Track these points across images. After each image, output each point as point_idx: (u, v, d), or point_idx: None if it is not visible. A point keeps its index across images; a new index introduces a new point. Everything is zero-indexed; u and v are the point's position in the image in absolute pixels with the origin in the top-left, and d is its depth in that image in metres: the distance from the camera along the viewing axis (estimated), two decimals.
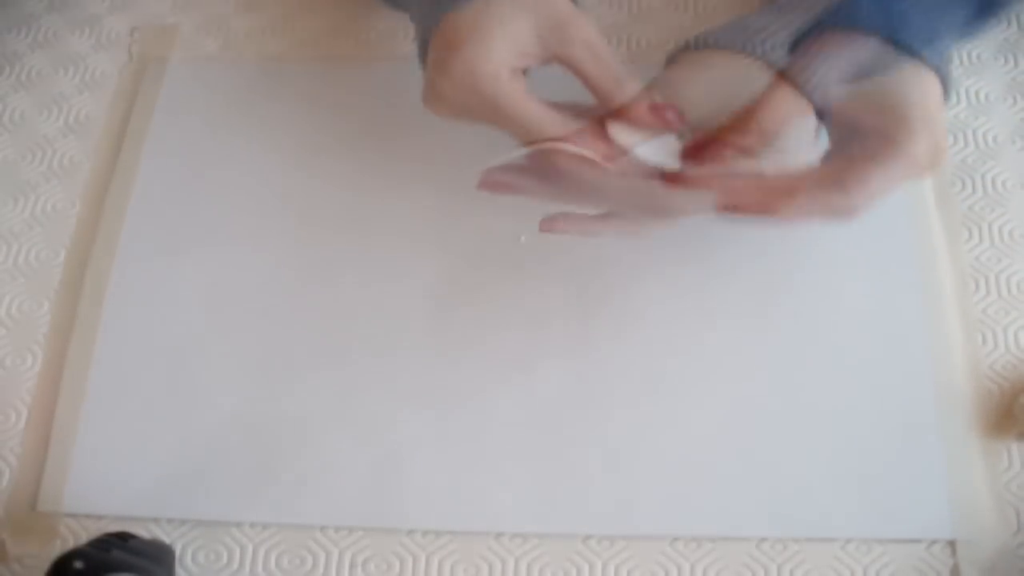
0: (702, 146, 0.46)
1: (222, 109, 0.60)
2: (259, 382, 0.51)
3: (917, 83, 0.45)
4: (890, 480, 0.48)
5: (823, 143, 0.47)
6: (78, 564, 0.40)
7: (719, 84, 0.47)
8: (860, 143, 0.45)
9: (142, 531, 0.48)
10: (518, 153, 0.46)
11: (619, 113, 0.46)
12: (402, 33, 0.62)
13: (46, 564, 0.41)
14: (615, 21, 0.62)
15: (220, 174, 0.58)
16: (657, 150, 0.46)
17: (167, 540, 0.48)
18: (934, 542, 0.47)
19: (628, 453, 0.49)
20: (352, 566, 0.48)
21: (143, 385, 0.52)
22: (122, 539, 0.45)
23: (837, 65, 0.45)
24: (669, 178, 0.45)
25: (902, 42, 0.44)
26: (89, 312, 0.54)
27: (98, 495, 0.49)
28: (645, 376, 0.51)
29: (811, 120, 0.46)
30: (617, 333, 0.52)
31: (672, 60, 0.50)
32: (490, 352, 0.52)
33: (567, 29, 0.46)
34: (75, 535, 0.48)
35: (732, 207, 0.44)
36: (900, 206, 0.54)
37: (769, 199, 0.44)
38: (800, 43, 0.46)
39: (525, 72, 0.47)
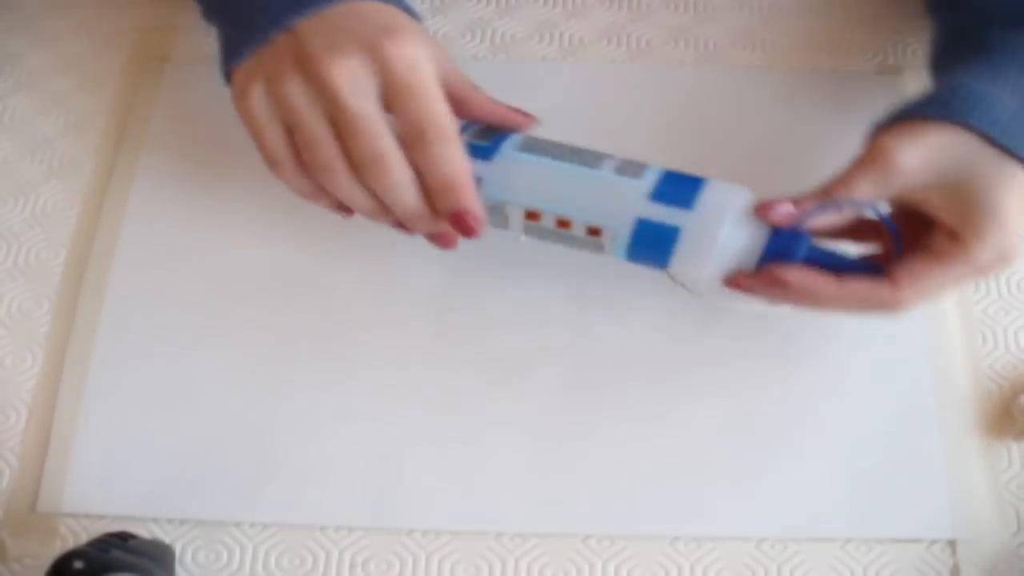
0: (770, 203, 0.45)
1: (222, 109, 0.60)
2: (259, 382, 0.51)
3: (1006, 186, 0.43)
4: (890, 480, 0.48)
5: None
6: (78, 564, 0.40)
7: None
8: (927, 238, 0.44)
9: (142, 531, 0.48)
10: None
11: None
12: None
13: (46, 564, 0.41)
14: (615, 21, 0.62)
15: (220, 174, 0.58)
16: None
17: (167, 540, 0.48)
18: (934, 542, 0.47)
19: (628, 453, 0.49)
20: (352, 566, 0.48)
21: (143, 385, 0.52)
22: (122, 539, 0.45)
23: (931, 157, 0.43)
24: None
25: (1002, 142, 0.43)
26: (89, 312, 0.54)
27: (98, 495, 0.49)
28: (645, 376, 0.51)
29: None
30: (617, 333, 0.52)
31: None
32: (490, 352, 0.52)
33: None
34: (75, 535, 0.48)
35: (771, 293, 0.44)
36: None
37: (815, 286, 0.43)
38: (888, 126, 0.45)
39: None
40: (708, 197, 0.44)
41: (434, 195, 0.44)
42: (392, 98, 0.43)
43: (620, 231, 0.45)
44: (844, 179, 0.44)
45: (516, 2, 0.64)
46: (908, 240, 0.45)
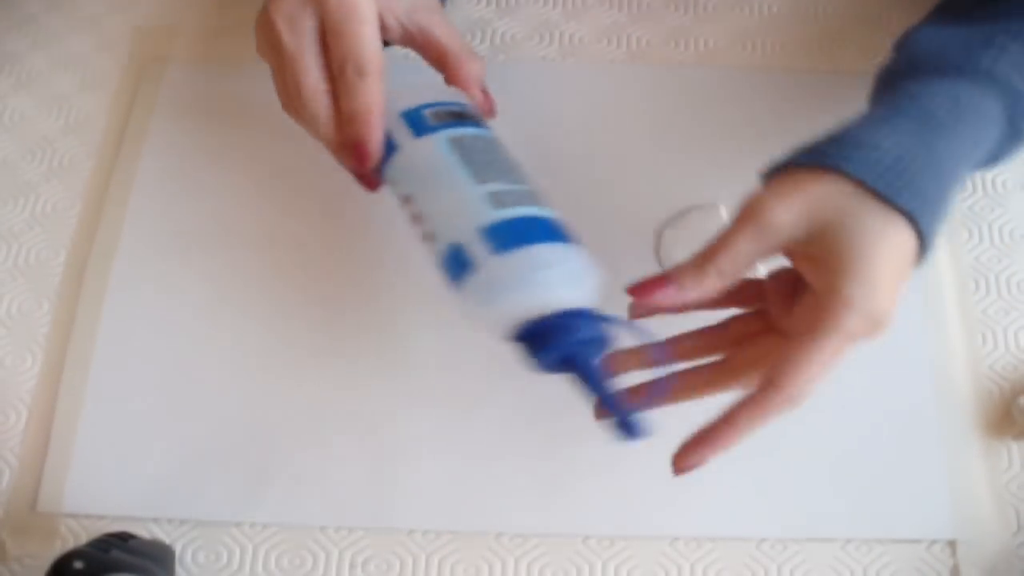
0: (645, 284, 0.42)
1: (222, 109, 0.60)
2: (259, 382, 0.51)
3: (880, 241, 0.39)
4: (890, 480, 0.48)
5: None
6: (78, 564, 0.40)
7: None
8: (797, 309, 0.41)
9: (142, 531, 0.48)
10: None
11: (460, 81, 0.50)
12: None
13: (46, 564, 0.41)
14: (615, 21, 0.62)
15: (220, 174, 0.58)
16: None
17: (167, 540, 0.48)
18: (934, 542, 0.47)
19: (628, 453, 0.49)
20: (352, 566, 0.48)
21: (143, 385, 0.51)
22: (122, 539, 0.45)
23: (799, 206, 0.40)
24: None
25: (880, 190, 0.39)
26: (89, 312, 0.54)
27: (98, 495, 0.49)
28: (645, 375, 0.51)
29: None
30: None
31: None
32: (490, 352, 0.52)
33: (434, 3, 0.51)
34: (75, 535, 0.48)
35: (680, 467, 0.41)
36: None
37: (703, 437, 0.40)
38: (770, 177, 0.42)
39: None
40: (525, 255, 0.42)
41: (344, 126, 0.47)
42: (325, 35, 0.47)
43: (441, 246, 0.44)
44: (726, 238, 0.41)
45: (516, 2, 0.64)
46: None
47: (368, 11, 0.47)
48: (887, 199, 0.39)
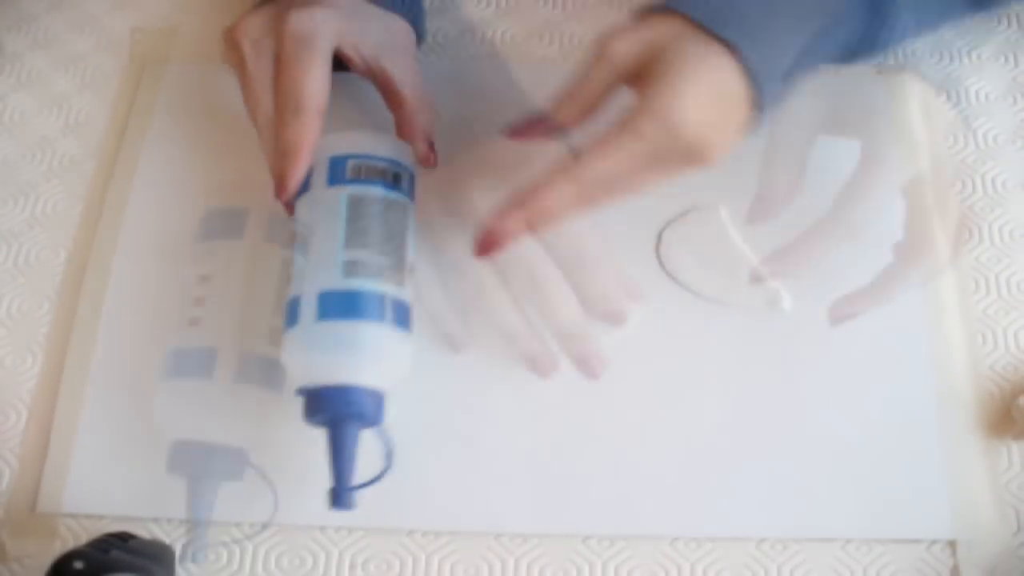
0: (523, 128, 0.47)
1: (222, 109, 0.60)
2: (259, 380, 0.51)
3: (695, 62, 0.42)
4: (890, 480, 0.48)
5: None
6: (78, 564, 0.40)
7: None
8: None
9: (142, 531, 0.48)
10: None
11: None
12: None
13: (46, 564, 0.41)
14: (615, 22, 0.62)
15: (220, 174, 0.58)
16: None
17: (167, 540, 0.48)
18: (934, 542, 0.47)
19: (628, 453, 0.49)
20: (352, 566, 0.48)
21: (143, 385, 0.51)
22: (122, 539, 0.45)
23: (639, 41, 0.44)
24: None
25: (705, 24, 0.43)
26: (89, 312, 0.54)
27: (98, 495, 0.49)
28: (645, 376, 0.51)
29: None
30: (617, 332, 0.52)
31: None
32: (490, 351, 0.52)
33: (407, 44, 0.53)
34: (75, 535, 0.48)
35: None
36: (900, 205, 0.54)
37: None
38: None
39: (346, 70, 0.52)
40: (339, 329, 0.45)
41: (276, 156, 0.48)
42: (276, 67, 0.49)
43: (291, 294, 0.47)
44: (582, 73, 0.45)
45: (516, 2, 0.64)
46: None
47: (321, 48, 0.48)
48: (709, 30, 0.42)
